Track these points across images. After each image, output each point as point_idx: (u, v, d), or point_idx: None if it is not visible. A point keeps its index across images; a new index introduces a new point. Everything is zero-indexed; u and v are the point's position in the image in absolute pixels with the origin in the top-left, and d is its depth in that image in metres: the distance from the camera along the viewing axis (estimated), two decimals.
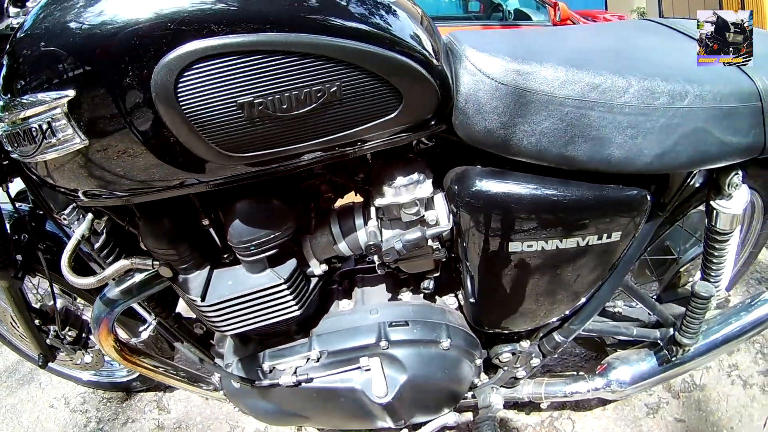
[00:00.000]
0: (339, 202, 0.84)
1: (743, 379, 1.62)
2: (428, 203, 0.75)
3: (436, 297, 0.92)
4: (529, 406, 1.38)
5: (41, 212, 1.05)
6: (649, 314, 1.08)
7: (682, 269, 1.21)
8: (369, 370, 0.84)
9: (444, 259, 0.81)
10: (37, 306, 1.23)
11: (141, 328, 1.05)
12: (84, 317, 1.30)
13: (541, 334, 0.96)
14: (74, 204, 0.79)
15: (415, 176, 0.71)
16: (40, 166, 0.59)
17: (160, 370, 1.10)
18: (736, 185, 0.80)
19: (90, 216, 0.75)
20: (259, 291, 0.76)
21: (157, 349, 1.33)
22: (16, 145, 0.57)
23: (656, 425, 1.39)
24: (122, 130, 0.53)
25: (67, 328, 1.24)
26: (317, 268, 0.83)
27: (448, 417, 0.98)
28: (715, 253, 0.93)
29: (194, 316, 0.96)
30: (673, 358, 1.07)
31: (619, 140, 0.66)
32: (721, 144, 0.70)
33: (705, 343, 1.13)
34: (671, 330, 1.05)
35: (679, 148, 0.68)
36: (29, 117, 0.53)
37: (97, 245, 0.77)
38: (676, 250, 1.23)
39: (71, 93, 0.51)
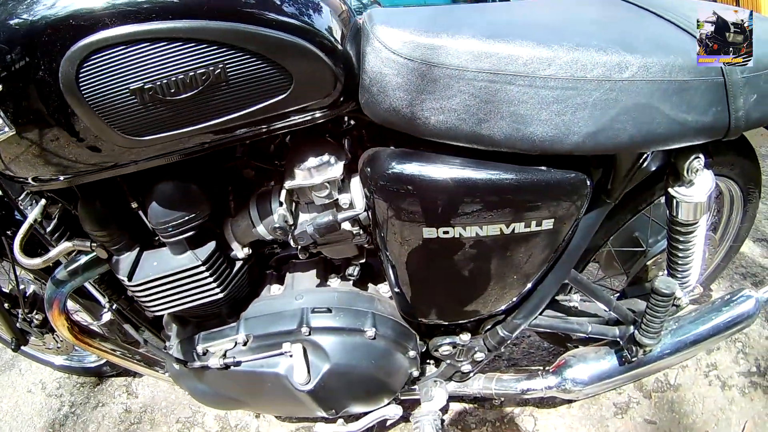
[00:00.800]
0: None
1: (722, 380, 1.55)
2: (344, 186, 0.71)
3: (369, 285, 0.90)
4: (489, 400, 1.34)
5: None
6: (606, 310, 1.01)
7: (649, 262, 1.14)
8: (291, 356, 0.81)
9: (369, 246, 0.78)
10: (7, 290, 1.26)
11: (101, 312, 1.06)
12: None
13: (485, 328, 0.92)
14: (27, 191, 0.81)
15: (325, 157, 0.68)
16: None
17: (115, 352, 1.11)
18: (697, 170, 0.73)
19: (42, 201, 0.77)
20: (180, 272, 0.76)
21: (121, 333, 1.33)
22: None
23: (624, 426, 1.33)
24: (42, 119, 0.57)
25: (35, 312, 1.26)
26: (240, 251, 0.82)
27: (388, 409, 0.95)
28: (680, 246, 0.87)
29: None
30: (634, 358, 1.02)
31: (543, 117, 0.61)
32: (671, 123, 0.63)
33: (674, 342, 1.08)
34: (631, 328, 0.99)
35: (618, 126, 0.62)
36: None
37: (48, 229, 0.80)
38: (644, 241, 1.16)
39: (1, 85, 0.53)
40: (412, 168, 0.64)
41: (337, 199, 0.71)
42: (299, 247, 0.75)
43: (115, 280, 0.95)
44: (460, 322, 0.87)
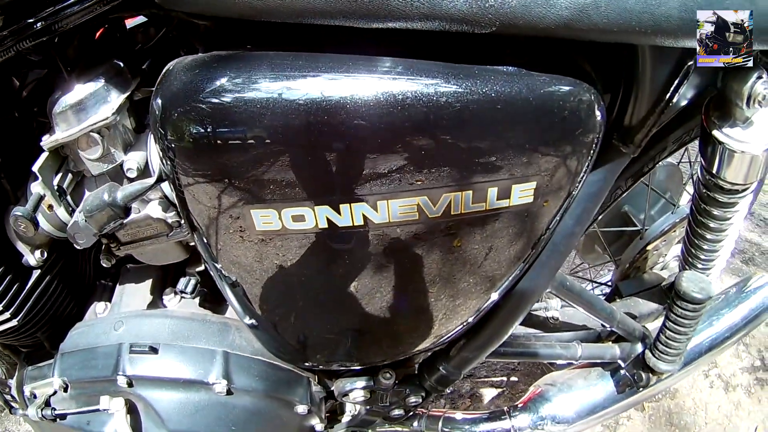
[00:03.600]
0: None
1: (724, 381, 1.46)
2: (135, 140, 0.38)
3: (223, 304, 0.57)
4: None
5: None
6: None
7: (649, 246, 0.91)
8: (112, 415, 0.51)
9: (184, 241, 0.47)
10: None
11: None
12: None
13: (417, 363, 0.62)
14: None
15: (94, 87, 0.34)
16: None
17: None
18: (763, 98, 0.44)
19: None
20: None
21: None
22: None
23: None
24: None
25: None
26: (30, 256, 0.51)
27: None
28: (712, 225, 0.59)
29: None
30: (641, 387, 0.80)
31: None
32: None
33: (687, 352, 0.82)
34: (639, 346, 0.78)
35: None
36: None
37: None
38: (638, 218, 0.95)
39: None
40: (240, 85, 0.32)
41: (122, 163, 0.38)
42: (82, 248, 0.43)
43: None
44: (372, 363, 0.55)
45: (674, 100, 0.43)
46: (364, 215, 0.38)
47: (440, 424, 0.78)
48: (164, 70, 0.37)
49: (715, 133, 0.47)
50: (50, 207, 0.46)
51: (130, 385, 0.53)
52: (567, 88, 0.37)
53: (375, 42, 0.35)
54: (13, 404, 0.80)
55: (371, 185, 0.37)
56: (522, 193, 0.41)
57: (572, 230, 0.52)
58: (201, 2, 0.34)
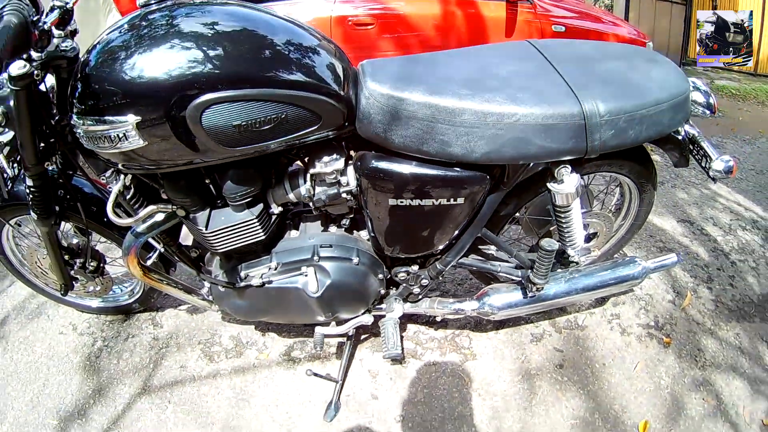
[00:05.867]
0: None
1: (622, 328, 2.09)
2: (344, 172, 1.39)
3: (354, 231, 1.59)
4: (436, 324, 2.07)
5: (68, 173, 1.55)
6: (509, 257, 1.72)
7: (552, 228, 1.79)
8: (307, 275, 1.49)
9: (355, 206, 1.46)
10: (64, 245, 1.78)
11: (147, 255, 1.70)
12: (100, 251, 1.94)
13: (428, 262, 1.62)
14: (113, 169, 1.35)
15: (334, 156, 1.35)
16: (105, 153, 1.18)
17: (167, 285, 1.72)
18: (563, 174, 1.40)
19: (124, 176, 1.32)
20: (240, 223, 1.40)
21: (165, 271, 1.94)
22: (94, 143, 1.14)
23: (537, 351, 1.97)
24: (168, 137, 1.11)
25: (88, 260, 1.84)
26: (276, 209, 1.47)
27: (364, 318, 1.66)
28: (562, 221, 1.55)
29: (190, 244, 1.63)
30: (531, 294, 1.67)
31: (458, 143, 1.25)
32: (540, 148, 1.25)
33: (567, 288, 1.75)
34: (529, 271, 1.65)
35: (504, 150, 1.26)
36: (108, 130, 1.10)
37: (128, 196, 1.36)
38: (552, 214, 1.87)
39: (139, 117, 1.08)
40: (383, 164, 1.31)
41: (339, 180, 1.38)
42: (314, 207, 1.43)
43: (172, 232, 1.56)
44: (411, 256, 1.57)
45: (520, 175, 1.41)
46: (419, 203, 1.38)
47: (436, 303, 1.74)
48: (361, 154, 1.32)
49: (548, 185, 1.43)
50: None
51: (318, 261, 1.47)
52: (476, 173, 1.32)
53: (423, 158, 1.33)
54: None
55: (421, 192, 1.38)
56: (462, 199, 1.36)
57: (485, 212, 1.46)
58: (379, 142, 1.29)
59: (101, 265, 1.92)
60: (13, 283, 2.53)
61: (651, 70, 1.39)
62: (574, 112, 1.22)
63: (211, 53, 1.10)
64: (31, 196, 1.41)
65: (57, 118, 1.24)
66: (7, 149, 1.29)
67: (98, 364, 2.06)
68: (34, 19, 1.14)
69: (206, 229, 1.38)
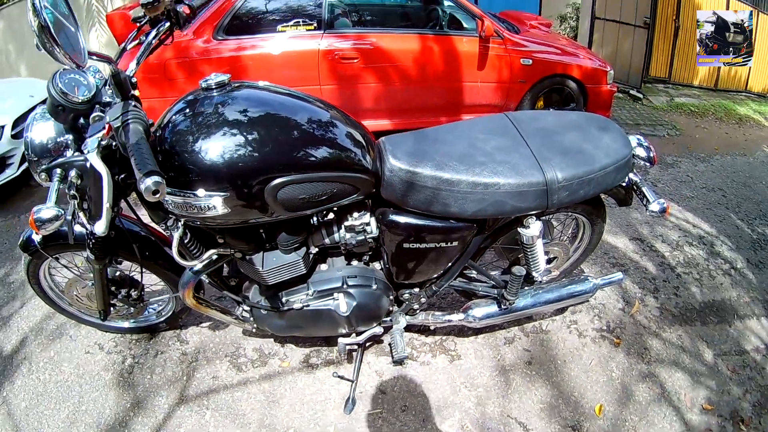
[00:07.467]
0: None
1: (579, 331, 2.60)
2: (368, 222, 2.01)
3: (372, 264, 2.19)
4: (427, 331, 2.65)
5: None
6: (487, 280, 2.43)
7: (520, 255, 2.45)
8: (338, 299, 2.13)
9: (373, 246, 2.11)
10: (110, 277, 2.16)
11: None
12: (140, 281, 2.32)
13: (426, 285, 2.26)
14: (173, 218, 1.77)
15: (363, 212, 1.95)
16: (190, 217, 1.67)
17: (209, 308, 2.21)
18: (530, 223, 2.02)
19: (183, 225, 1.76)
20: (289, 263, 1.90)
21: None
22: (181, 210, 1.62)
23: (510, 351, 2.52)
24: (248, 207, 1.61)
25: (132, 290, 2.27)
26: (313, 249, 2.03)
27: (376, 329, 2.29)
28: (528, 253, 2.17)
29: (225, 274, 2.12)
30: (504, 307, 2.27)
31: (455, 205, 1.81)
32: (514, 207, 1.84)
33: (533, 301, 2.35)
34: (502, 290, 2.28)
35: (488, 208, 1.83)
36: (199, 201, 1.58)
37: (186, 240, 1.81)
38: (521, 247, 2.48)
39: (227, 194, 1.57)
40: (400, 218, 1.87)
41: (365, 229, 1.99)
42: (343, 248, 2.08)
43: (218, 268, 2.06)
44: (414, 282, 2.17)
45: (498, 223, 2.06)
46: (424, 245, 2.01)
47: (429, 316, 2.34)
48: (383, 210, 1.90)
49: (517, 228, 2.08)
50: None
51: (346, 288, 2.03)
52: (466, 224, 1.94)
53: (429, 215, 1.95)
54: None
55: (425, 239, 2.01)
56: (453, 242, 1.98)
57: (471, 249, 2.07)
58: (398, 203, 1.87)
59: (142, 293, 2.35)
60: (25, 305, 2.86)
61: (602, 138, 1.95)
62: (539, 181, 1.75)
63: (285, 142, 1.61)
64: (93, 240, 1.83)
65: (123, 176, 1.55)
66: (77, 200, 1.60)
67: (132, 380, 2.42)
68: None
69: (263, 268, 1.89)
